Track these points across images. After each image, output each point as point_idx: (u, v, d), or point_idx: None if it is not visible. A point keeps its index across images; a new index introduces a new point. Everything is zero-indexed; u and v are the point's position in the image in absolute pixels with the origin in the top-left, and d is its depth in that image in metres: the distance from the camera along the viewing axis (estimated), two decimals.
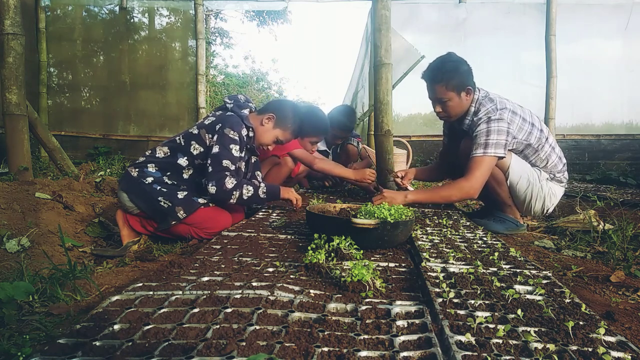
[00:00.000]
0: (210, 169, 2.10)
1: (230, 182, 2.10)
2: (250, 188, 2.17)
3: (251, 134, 2.32)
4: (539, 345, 0.89)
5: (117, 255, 2.05)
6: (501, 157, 2.26)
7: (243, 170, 2.34)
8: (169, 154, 2.20)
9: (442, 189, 2.34)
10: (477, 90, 2.40)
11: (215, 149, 2.12)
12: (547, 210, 2.49)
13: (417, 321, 1.00)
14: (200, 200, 2.17)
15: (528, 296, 1.17)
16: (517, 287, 1.23)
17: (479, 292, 1.19)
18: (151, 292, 1.13)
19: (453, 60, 2.35)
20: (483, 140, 2.24)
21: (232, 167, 2.13)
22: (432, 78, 2.35)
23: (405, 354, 0.85)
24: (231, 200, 2.13)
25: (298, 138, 2.71)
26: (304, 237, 1.86)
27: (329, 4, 7.92)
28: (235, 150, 2.15)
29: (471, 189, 2.23)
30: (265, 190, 2.24)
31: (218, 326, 0.93)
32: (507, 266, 1.46)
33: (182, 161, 2.17)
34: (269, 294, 1.12)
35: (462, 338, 0.90)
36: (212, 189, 2.08)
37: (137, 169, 2.16)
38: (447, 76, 2.30)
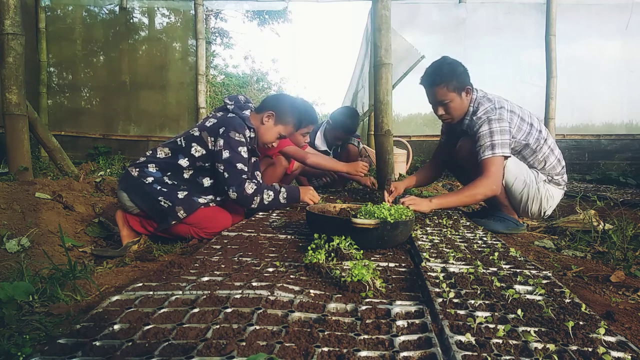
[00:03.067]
0: (226, 174, 2.11)
1: (250, 187, 2.11)
2: (271, 193, 2.19)
3: (253, 135, 2.32)
4: (539, 345, 0.89)
5: (117, 255, 2.05)
6: (507, 156, 2.26)
7: None
8: (169, 154, 2.19)
9: (464, 190, 2.26)
10: (475, 90, 2.40)
11: (226, 154, 2.12)
12: (545, 213, 2.47)
13: (417, 321, 1.00)
14: (201, 200, 2.17)
15: (528, 296, 1.17)
16: (517, 287, 1.23)
17: (479, 292, 1.19)
18: (151, 292, 1.13)
19: (449, 63, 2.36)
20: (489, 142, 2.23)
21: (247, 169, 2.14)
22: (431, 82, 2.35)
23: (405, 354, 0.85)
24: (253, 205, 2.15)
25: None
26: (304, 237, 1.86)
27: (329, 4, 7.92)
28: (243, 151, 2.16)
29: (493, 184, 2.19)
30: (285, 196, 2.25)
31: (218, 326, 0.93)
32: (507, 266, 1.46)
33: (183, 162, 2.17)
34: (269, 294, 1.12)
35: (462, 338, 0.90)
36: (233, 195, 2.10)
37: (137, 169, 2.16)
38: (446, 78, 2.30)
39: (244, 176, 2.11)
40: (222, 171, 2.12)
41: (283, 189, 2.25)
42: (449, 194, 2.38)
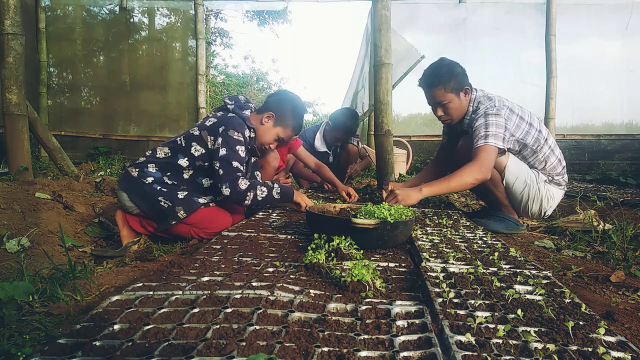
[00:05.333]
0: (221, 171, 2.10)
1: (243, 184, 2.10)
2: (264, 189, 2.17)
3: (252, 135, 2.32)
4: (539, 345, 0.89)
5: (117, 255, 2.05)
6: (501, 148, 2.26)
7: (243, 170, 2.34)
8: (169, 154, 2.19)
9: (453, 177, 2.21)
10: (474, 90, 2.41)
11: (223, 151, 2.11)
12: (545, 213, 2.47)
13: (417, 321, 1.00)
14: (201, 200, 2.17)
15: (528, 296, 1.17)
16: (517, 287, 1.23)
17: (479, 292, 1.19)
18: (151, 292, 1.13)
19: (446, 64, 2.37)
20: (483, 132, 2.25)
21: (242, 168, 2.13)
22: (429, 83, 2.36)
23: (405, 354, 0.85)
24: (246, 202, 2.13)
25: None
26: (304, 237, 1.86)
27: (329, 4, 7.92)
28: (241, 150, 2.15)
29: (482, 167, 2.18)
30: (279, 191, 2.22)
31: (218, 326, 0.93)
32: (507, 266, 1.46)
33: (183, 162, 2.17)
34: (269, 294, 1.12)
35: (462, 338, 0.90)
36: (226, 191, 2.08)
37: (137, 169, 2.16)
38: (444, 79, 2.31)
39: (239, 174, 2.11)
40: (217, 168, 2.11)
41: (276, 185, 2.24)
42: (438, 181, 2.28)
